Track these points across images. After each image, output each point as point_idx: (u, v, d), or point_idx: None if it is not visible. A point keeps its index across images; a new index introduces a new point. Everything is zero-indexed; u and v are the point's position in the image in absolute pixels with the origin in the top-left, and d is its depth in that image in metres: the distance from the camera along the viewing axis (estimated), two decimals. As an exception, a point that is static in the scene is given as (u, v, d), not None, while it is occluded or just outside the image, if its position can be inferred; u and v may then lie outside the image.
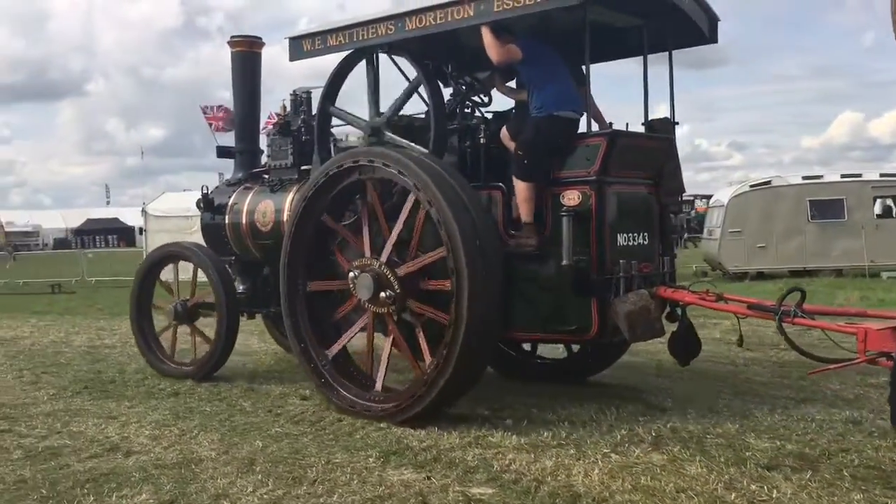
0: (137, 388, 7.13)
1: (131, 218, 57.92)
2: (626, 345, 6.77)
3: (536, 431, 5.28)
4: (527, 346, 7.39)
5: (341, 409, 5.92)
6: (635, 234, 5.82)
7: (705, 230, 20.75)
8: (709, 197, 49.00)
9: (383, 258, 5.84)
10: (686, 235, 29.41)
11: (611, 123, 6.16)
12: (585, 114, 5.71)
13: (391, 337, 5.92)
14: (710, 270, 19.54)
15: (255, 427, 5.63)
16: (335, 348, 6.18)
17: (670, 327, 5.84)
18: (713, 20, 6.27)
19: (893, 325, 4.32)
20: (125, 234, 55.84)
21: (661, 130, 6.25)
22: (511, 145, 5.90)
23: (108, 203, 75.06)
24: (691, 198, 48.93)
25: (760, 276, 17.62)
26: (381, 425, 5.49)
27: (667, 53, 6.37)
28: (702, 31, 6.20)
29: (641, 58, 6.25)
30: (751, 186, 18.42)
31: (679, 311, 5.85)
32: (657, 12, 5.94)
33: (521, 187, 5.54)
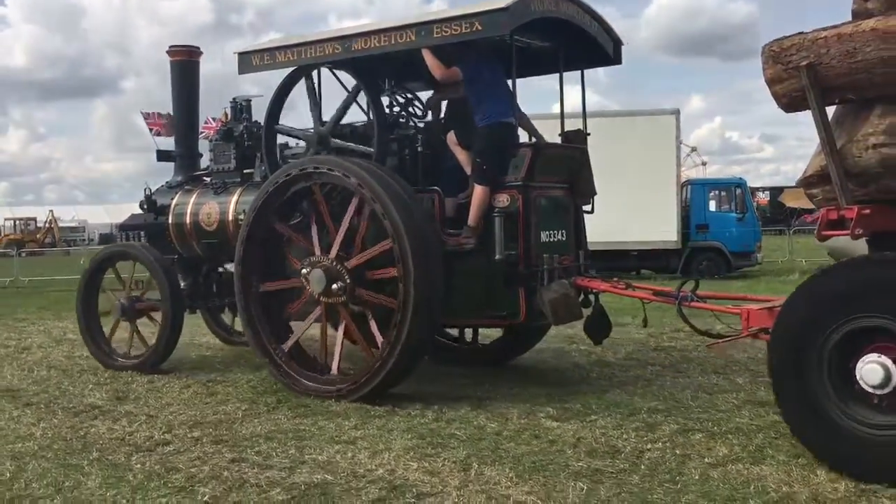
0: (338, 402, 6.24)
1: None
2: (546, 330, 7.70)
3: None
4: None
5: (302, 394, 6.48)
6: (555, 232, 6.68)
7: None
8: (770, 189, 47.97)
9: (333, 254, 6.46)
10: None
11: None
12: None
13: (343, 324, 6.53)
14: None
15: (547, 460, 4.77)
16: (290, 343, 6.72)
17: (585, 312, 6.73)
18: (617, 43, 7.19)
19: (769, 306, 5.30)
20: (169, 229, 54.94)
21: (575, 141, 7.14)
22: (457, 150, 6.65)
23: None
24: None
25: None
26: (707, 459, 4.69)
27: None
28: (608, 53, 7.12)
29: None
30: None
31: (592, 297, 6.76)
32: (569, 37, 6.82)
33: (478, 191, 6.26)
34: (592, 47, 6.97)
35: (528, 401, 6.18)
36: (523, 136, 7.02)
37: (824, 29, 4.25)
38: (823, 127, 4.27)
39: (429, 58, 6.35)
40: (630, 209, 17.20)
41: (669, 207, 18.02)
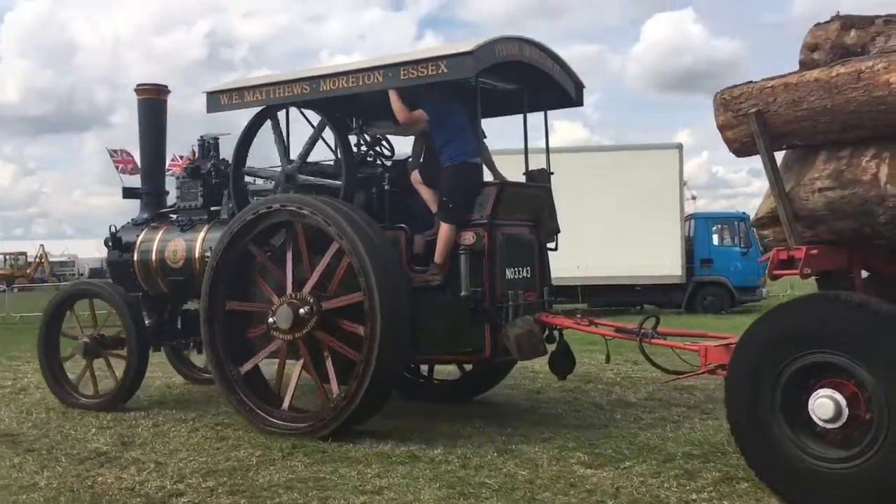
0: (355, 445, 6.06)
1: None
2: (511, 367, 7.80)
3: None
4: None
5: (266, 432, 6.47)
6: (520, 269, 6.80)
7: None
8: None
9: (289, 289, 6.50)
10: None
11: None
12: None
13: (327, 351, 6.48)
14: None
15: None
16: (287, 400, 6.66)
17: (550, 348, 6.83)
18: (579, 86, 7.41)
19: (727, 343, 5.44)
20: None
21: (539, 179, 7.31)
22: (422, 188, 6.77)
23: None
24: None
25: None
26: None
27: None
28: (570, 95, 7.33)
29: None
30: None
31: (557, 333, 6.88)
32: (533, 79, 7.02)
33: (444, 229, 6.36)
34: (555, 89, 7.18)
35: (556, 445, 5.96)
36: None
37: (772, 78, 4.47)
38: (772, 171, 4.47)
39: (394, 100, 6.50)
40: (633, 243, 17.24)
41: (673, 241, 18.02)
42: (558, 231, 7.36)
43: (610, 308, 18.19)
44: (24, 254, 51.62)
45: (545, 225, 7.18)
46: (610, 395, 8.02)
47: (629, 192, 17.50)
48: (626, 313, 17.81)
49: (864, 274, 5.06)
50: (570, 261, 18.15)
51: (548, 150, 7.53)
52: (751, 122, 4.44)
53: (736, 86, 4.57)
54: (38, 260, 49.98)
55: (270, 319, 6.50)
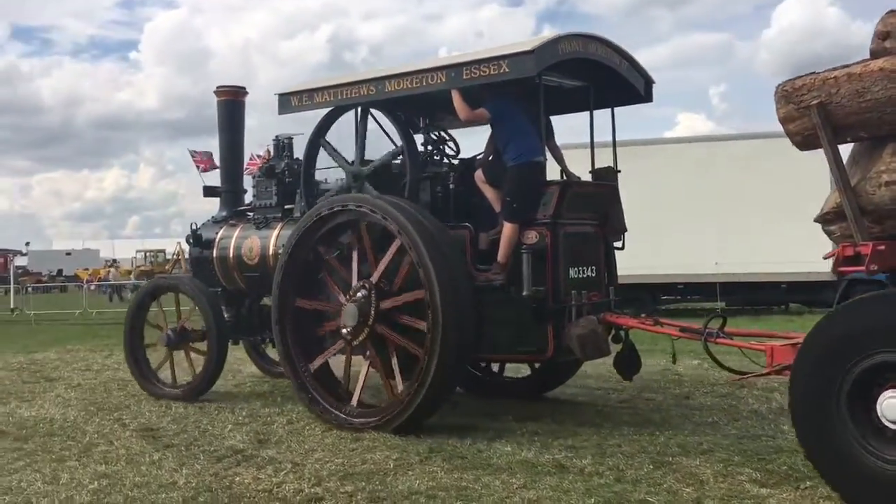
0: (496, 451, 5.77)
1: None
2: (578, 365, 7.73)
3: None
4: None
5: (339, 427, 6.60)
6: (584, 268, 6.73)
7: None
8: None
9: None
10: None
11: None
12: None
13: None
14: None
15: None
16: (356, 396, 6.81)
17: (615, 348, 6.74)
18: (648, 82, 7.28)
19: (794, 342, 5.26)
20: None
21: (606, 177, 7.23)
22: (485, 188, 6.81)
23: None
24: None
25: None
26: None
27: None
28: (639, 91, 7.21)
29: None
30: None
31: (623, 333, 6.78)
32: (600, 76, 6.95)
33: (507, 228, 6.39)
34: (623, 86, 7.08)
35: (719, 458, 5.43)
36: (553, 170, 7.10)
37: (835, 69, 4.31)
38: (836, 165, 4.30)
39: (456, 99, 6.55)
40: (778, 237, 15.88)
41: (823, 234, 16.86)
42: (625, 230, 7.25)
43: (752, 308, 17.03)
44: (163, 251, 53.95)
45: (612, 223, 7.10)
46: (769, 402, 7.26)
47: (772, 181, 16.11)
48: (769, 313, 16.71)
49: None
50: (706, 256, 16.76)
51: (615, 147, 7.42)
52: (813, 115, 4.29)
53: (798, 77, 4.42)
54: (175, 257, 51.99)
55: (343, 331, 6.62)
